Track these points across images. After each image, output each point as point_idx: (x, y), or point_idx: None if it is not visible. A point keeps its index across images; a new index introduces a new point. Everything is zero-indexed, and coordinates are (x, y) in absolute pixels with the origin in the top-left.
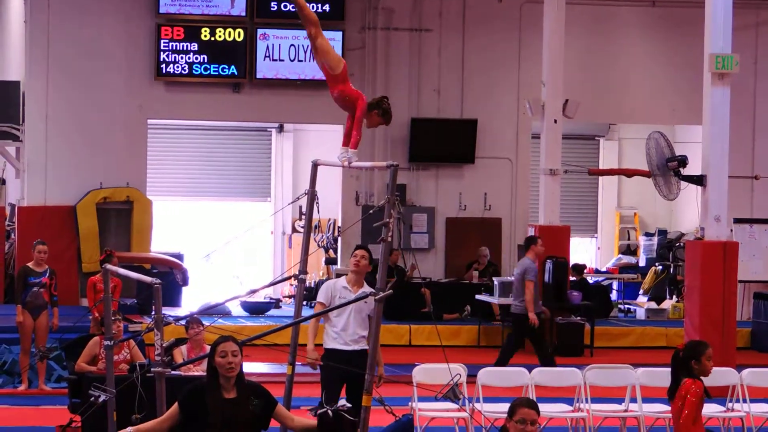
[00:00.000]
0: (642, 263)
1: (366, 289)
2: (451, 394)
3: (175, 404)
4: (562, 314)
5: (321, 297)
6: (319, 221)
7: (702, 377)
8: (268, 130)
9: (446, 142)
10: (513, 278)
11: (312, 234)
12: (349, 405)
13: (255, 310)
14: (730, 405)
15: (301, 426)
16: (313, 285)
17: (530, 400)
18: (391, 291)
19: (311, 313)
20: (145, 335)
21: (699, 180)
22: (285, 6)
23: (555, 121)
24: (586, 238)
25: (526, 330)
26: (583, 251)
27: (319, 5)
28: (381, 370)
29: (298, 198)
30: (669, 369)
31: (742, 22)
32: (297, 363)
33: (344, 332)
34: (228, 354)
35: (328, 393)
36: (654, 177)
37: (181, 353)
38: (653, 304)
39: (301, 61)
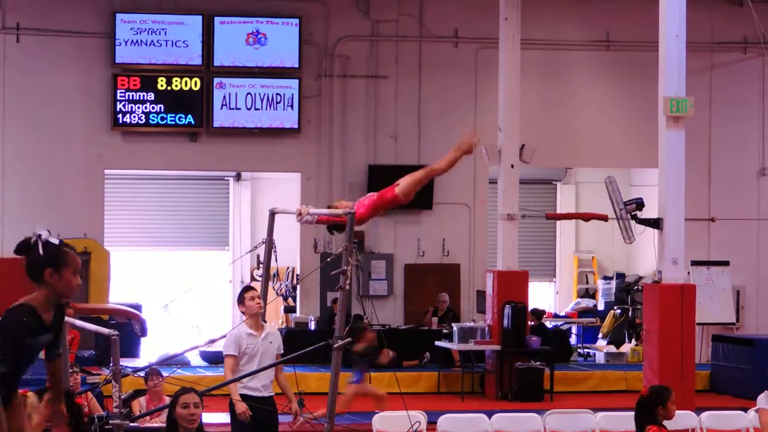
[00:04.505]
0: (600, 307)
1: (269, 329)
2: None
3: None
4: (521, 359)
5: (231, 349)
6: (278, 269)
7: (666, 421)
8: (226, 178)
9: None
10: (470, 324)
11: (270, 282)
12: None
13: (214, 359)
14: None
15: None
16: None
17: None
18: (349, 338)
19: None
20: (103, 387)
21: (656, 223)
22: (241, 54)
23: (512, 167)
24: (545, 283)
25: None
26: (542, 296)
27: (276, 54)
28: (295, 406)
29: (256, 247)
30: (628, 413)
31: (696, 65)
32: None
33: (256, 378)
34: (190, 405)
35: None
36: (617, 220)
37: (139, 405)
38: (612, 348)
39: (258, 109)
